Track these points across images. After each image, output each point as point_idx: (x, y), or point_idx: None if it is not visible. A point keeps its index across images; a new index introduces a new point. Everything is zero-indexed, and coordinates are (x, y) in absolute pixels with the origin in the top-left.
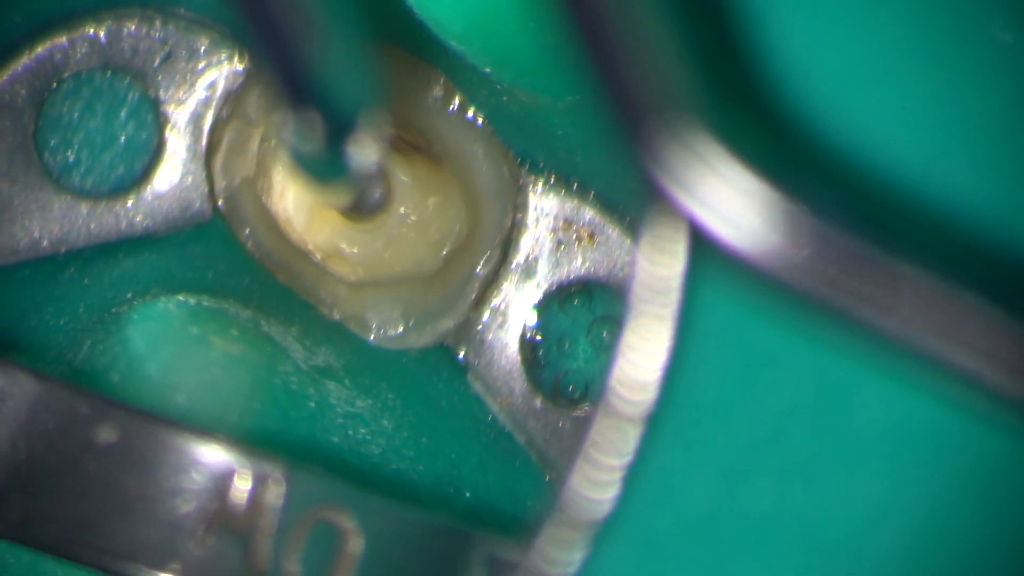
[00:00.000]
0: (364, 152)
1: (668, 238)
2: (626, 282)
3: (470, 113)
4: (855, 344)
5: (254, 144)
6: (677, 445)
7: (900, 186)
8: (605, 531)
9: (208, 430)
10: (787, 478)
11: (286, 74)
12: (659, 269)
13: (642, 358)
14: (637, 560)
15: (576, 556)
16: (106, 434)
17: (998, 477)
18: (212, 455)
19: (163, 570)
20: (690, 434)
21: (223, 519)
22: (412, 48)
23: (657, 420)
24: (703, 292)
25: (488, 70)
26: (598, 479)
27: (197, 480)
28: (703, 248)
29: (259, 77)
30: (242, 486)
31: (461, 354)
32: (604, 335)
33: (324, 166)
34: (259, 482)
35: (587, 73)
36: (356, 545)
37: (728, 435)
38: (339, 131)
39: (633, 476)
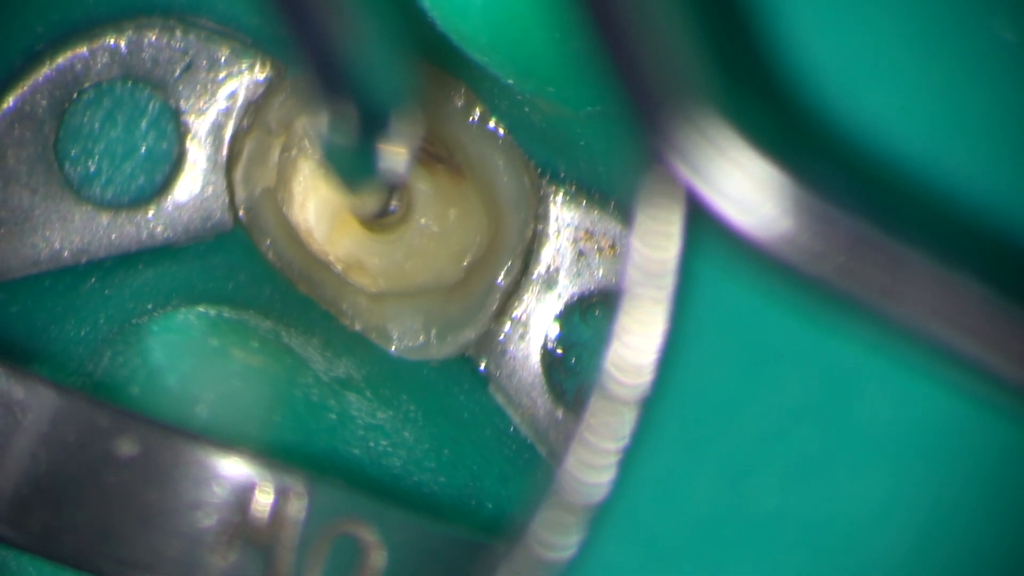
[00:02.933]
0: (396, 150)
1: (664, 219)
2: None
3: (491, 123)
4: (863, 331)
5: (275, 154)
6: (679, 441)
7: (910, 172)
8: (607, 527)
9: (229, 443)
10: (792, 475)
11: (321, 66)
12: (655, 251)
13: (638, 341)
14: (641, 559)
15: (571, 540)
16: (127, 447)
17: (1005, 469)
18: (233, 468)
19: None
20: (692, 430)
21: (244, 533)
22: (433, 59)
23: (653, 405)
24: (703, 275)
25: (511, 81)
26: (593, 462)
27: (218, 493)
28: (702, 230)
29: (280, 86)
30: (264, 500)
31: (482, 365)
32: None
33: (355, 164)
34: (281, 495)
35: (600, 59)
36: (379, 559)
37: (731, 431)
38: (372, 127)
39: (629, 462)
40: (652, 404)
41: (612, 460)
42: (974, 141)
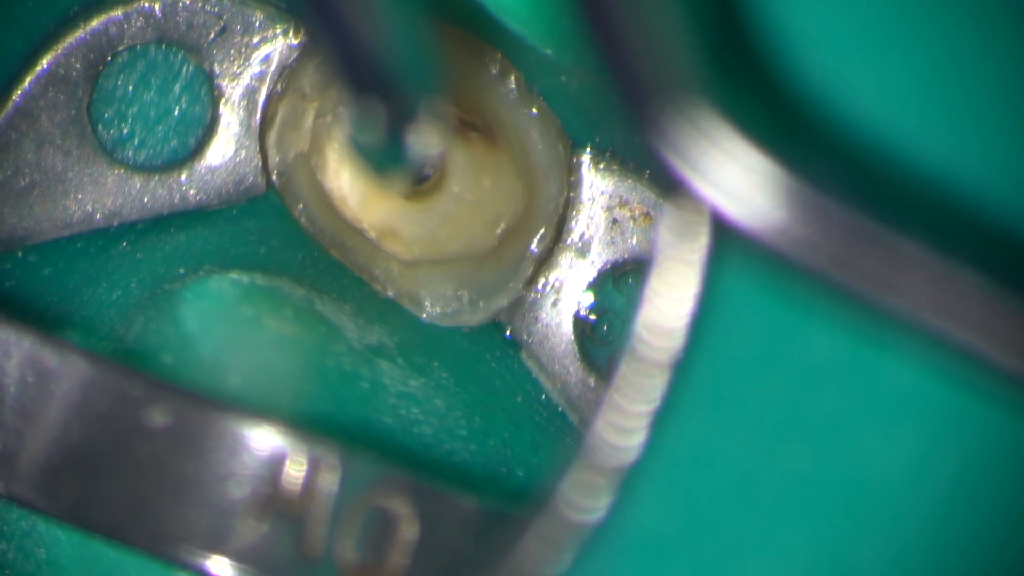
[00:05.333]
0: (425, 141)
1: None
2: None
3: (526, 92)
4: (859, 322)
5: (308, 119)
6: (711, 404)
7: (905, 164)
8: (642, 488)
9: (261, 413)
10: (822, 436)
11: (347, 63)
12: (687, 213)
13: (669, 304)
14: (677, 520)
15: (600, 502)
16: (158, 417)
17: None
18: (266, 439)
19: (215, 554)
20: (723, 392)
21: (276, 504)
22: (468, 26)
23: (685, 368)
24: (730, 249)
25: (549, 51)
26: (623, 425)
27: (250, 464)
28: None
29: (314, 52)
30: (296, 471)
31: (514, 333)
32: None
33: (384, 155)
34: (313, 467)
35: (593, 52)
36: (411, 531)
37: (761, 393)
38: (400, 120)
39: (664, 430)
40: (683, 367)
41: (642, 423)
42: (968, 129)
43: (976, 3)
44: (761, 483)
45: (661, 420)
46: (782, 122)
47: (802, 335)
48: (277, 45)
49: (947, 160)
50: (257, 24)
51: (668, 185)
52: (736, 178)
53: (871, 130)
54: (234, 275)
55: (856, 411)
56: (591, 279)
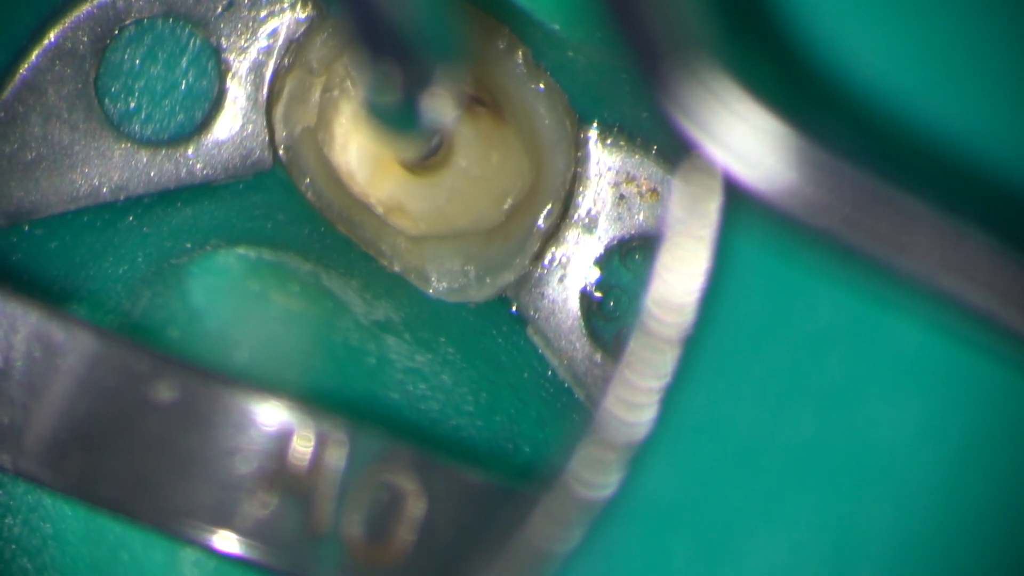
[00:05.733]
0: (441, 106)
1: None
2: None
3: (534, 67)
4: (870, 283)
5: (315, 94)
6: (715, 374)
7: (914, 125)
8: (649, 459)
9: (268, 388)
10: (825, 404)
11: (366, 25)
12: (696, 188)
13: (679, 279)
14: (684, 490)
15: (611, 478)
16: (165, 392)
17: None
18: (273, 415)
19: (221, 529)
20: (727, 363)
21: (283, 480)
22: (477, 2)
23: (694, 344)
24: (736, 217)
25: (557, 27)
26: (633, 400)
27: (257, 440)
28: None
29: (322, 26)
30: (303, 447)
31: (521, 308)
32: None
33: (398, 118)
34: (320, 443)
35: (605, 16)
36: (418, 507)
37: (764, 362)
38: (417, 85)
39: (672, 400)
40: (691, 340)
41: (652, 398)
42: (976, 89)
43: None
44: (767, 450)
45: (669, 395)
46: (792, 84)
47: (808, 301)
48: (284, 19)
49: (956, 120)
50: None
51: (679, 152)
52: (747, 140)
53: (880, 91)
54: (241, 250)
55: (862, 377)
56: (598, 255)
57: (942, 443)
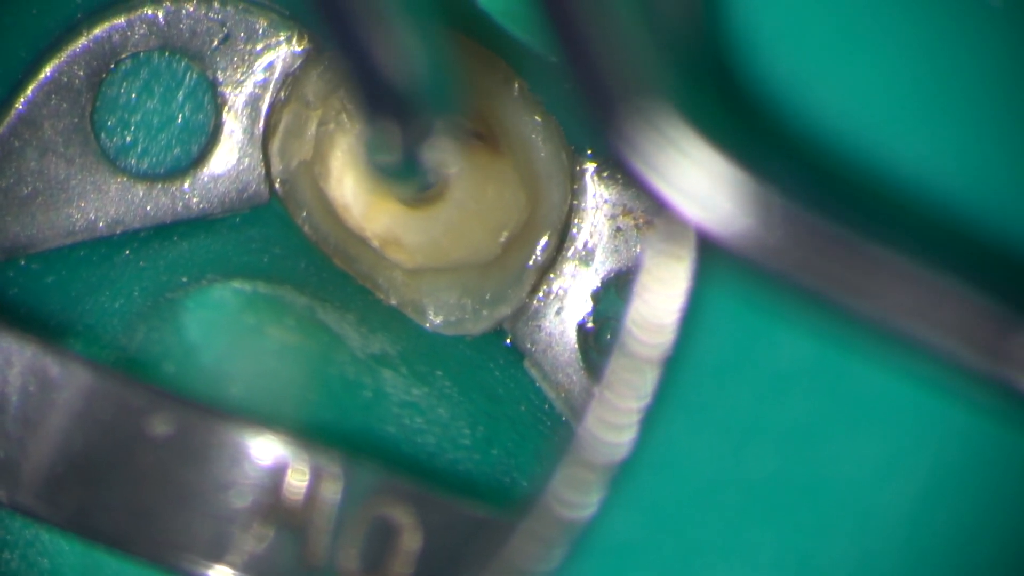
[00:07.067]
0: (442, 157)
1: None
2: None
3: (530, 99)
4: (828, 325)
5: (312, 127)
6: (679, 409)
7: (870, 166)
8: (609, 494)
9: (263, 422)
10: (789, 439)
11: (363, 86)
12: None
13: (659, 300)
14: (643, 525)
15: (591, 498)
16: (161, 426)
17: (1001, 432)
18: (268, 449)
19: (217, 563)
20: (692, 397)
21: (279, 514)
22: (472, 34)
23: (673, 365)
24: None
25: (554, 58)
26: (613, 421)
27: (252, 474)
28: None
29: (318, 59)
30: (298, 481)
31: (518, 341)
32: None
33: (399, 170)
34: (316, 477)
35: (558, 56)
36: (414, 540)
37: (729, 398)
38: (416, 140)
39: (648, 422)
40: (670, 362)
41: (633, 419)
42: (932, 129)
43: (934, 5)
44: (728, 487)
45: (649, 417)
46: (747, 126)
47: (771, 340)
48: (280, 52)
49: (913, 162)
50: (260, 31)
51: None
52: (701, 184)
53: (835, 133)
54: (237, 284)
55: (825, 414)
56: (595, 288)
57: (904, 480)
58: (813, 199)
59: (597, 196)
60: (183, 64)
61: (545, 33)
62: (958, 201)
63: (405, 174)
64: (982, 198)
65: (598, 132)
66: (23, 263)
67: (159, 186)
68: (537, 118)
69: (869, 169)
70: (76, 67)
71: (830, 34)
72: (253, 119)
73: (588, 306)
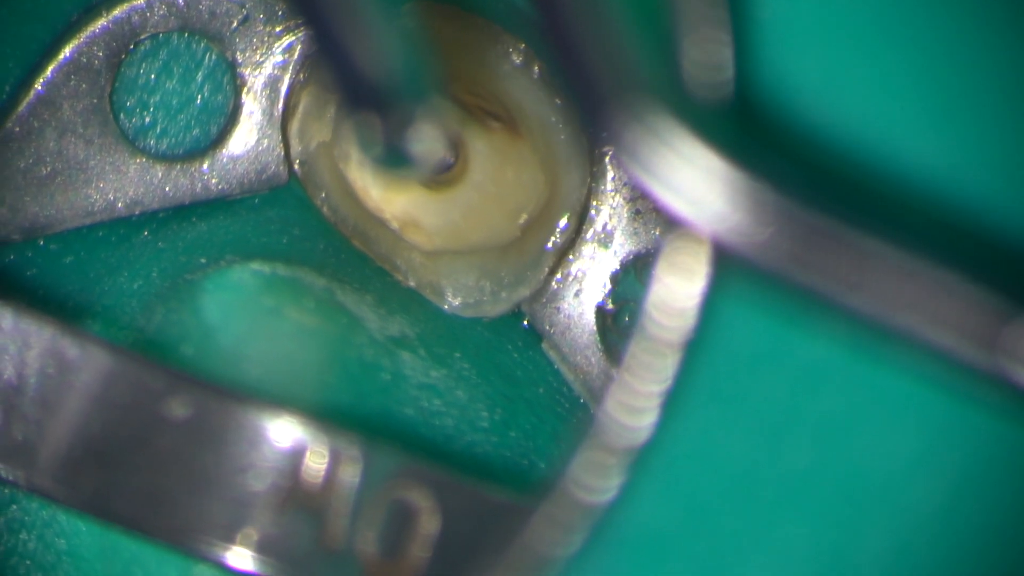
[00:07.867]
0: (426, 146)
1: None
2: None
3: (550, 81)
4: (824, 322)
5: (331, 109)
6: (714, 400)
7: (861, 160)
8: (643, 482)
9: (282, 404)
10: (823, 432)
11: (341, 81)
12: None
13: (680, 283)
14: (677, 515)
15: (611, 482)
16: (179, 409)
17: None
18: (286, 431)
19: (235, 546)
20: (726, 388)
21: (297, 497)
22: (492, 15)
23: (685, 364)
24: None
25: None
26: (633, 404)
27: (271, 457)
28: None
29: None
30: (317, 463)
31: (536, 323)
32: None
33: (392, 159)
34: (334, 460)
35: (549, 53)
36: (432, 523)
37: (764, 390)
38: (398, 130)
39: (670, 406)
40: (684, 362)
41: (653, 403)
42: (924, 123)
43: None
44: (761, 479)
45: (669, 401)
46: (737, 123)
47: (805, 332)
48: (300, 34)
49: (906, 154)
50: (280, 13)
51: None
52: (693, 181)
53: (826, 128)
54: (255, 265)
55: (858, 407)
56: (613, 270)
57: (937, 474)
58: (805, 194)
59: (616, 178)
60: (202, 45)
61: (538, 32)
62: (953, 193)
63: (395, 163)
64: (972, 189)
65: (591, 131)
66: (41, 243)
67: (178, 167)
68: (556, 100)
69: (863, 163)
70: (95, 47)
71: (821, 30)
72: (272, 100)
73: (607, 288)
